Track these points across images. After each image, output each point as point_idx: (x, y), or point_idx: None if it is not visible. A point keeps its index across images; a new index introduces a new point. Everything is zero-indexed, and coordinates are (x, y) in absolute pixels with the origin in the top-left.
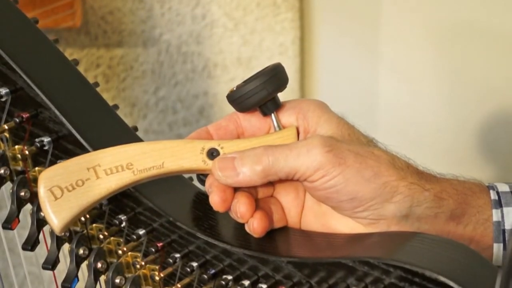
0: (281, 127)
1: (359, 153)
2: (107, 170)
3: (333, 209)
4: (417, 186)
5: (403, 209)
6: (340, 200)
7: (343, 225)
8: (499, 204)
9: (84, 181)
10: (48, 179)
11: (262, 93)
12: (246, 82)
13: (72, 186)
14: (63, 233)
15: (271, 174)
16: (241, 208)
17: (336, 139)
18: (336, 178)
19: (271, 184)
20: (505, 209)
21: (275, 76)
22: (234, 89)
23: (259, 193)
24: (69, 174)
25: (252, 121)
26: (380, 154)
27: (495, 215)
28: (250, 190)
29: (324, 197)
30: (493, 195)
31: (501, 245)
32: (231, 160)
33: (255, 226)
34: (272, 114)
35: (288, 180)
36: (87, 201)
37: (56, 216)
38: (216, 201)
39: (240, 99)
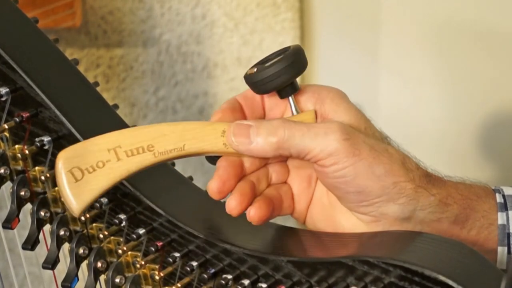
0: (298, 110)
1: (374, 147)
2: (127, 152)
3: (339, 200)
4: (424, 190)
5: (407, 212)
6: (347, 191)
7: (346, 220)
8: (504, 207)
9: (104, 163)
10: (68, 160)
11: (283, 78)
12: (265, 63)
13: (92, 168)
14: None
15: (284, 148)
16: (230, 203)
17: (354, 129)
18: (347, 169)
19: (286, 169)
20: (510, 213)
21: (297, 60)
22: (255, 70)
23: (273, 178)
24: (89, 155)
25: (271, 98)
26: (393, 152)
27: (500, 218)
28: (259, 176)
29: (332, 185)
30: (498, 198)
31: (506, 248)
32: (247, 127)
33: (251, 214)
34: (290, 98)
35: (302, 168)
36: (108, 183)
37: (76, 199)
38: (212, 188)
39: (260, 83)
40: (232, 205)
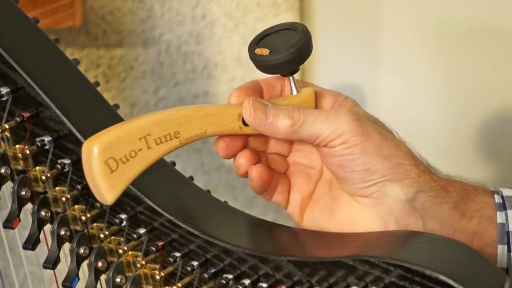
0: (298, 88)
1: (382, 132)
2: (157, 140)
3: (342, 183)
4: (427, 175)
5: (410, 193)
6: (353, 169)
7: (347, 209)
8: (503, 207)
9: (136, 152)
10: (104, 151)
11: (295, 65)
12: (267, 37)
13: (126, 158)
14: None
15: (296, 132)
16: (239, 160)
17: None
18: (355, 147)
19: (285, 163)
20: (509, 212)
21: (309, 47)
22: (268, 52)
23: (271, 164)
24: (123, 145)
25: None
26: (400, 141)
27: (500, 217)
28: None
29: (338, 164)
30: (497, 199)
31: (505, 246)
32: (265, 105)
33: (253, 171)
34: (291, 77)
35: (303, 164)
36: (138, 171)
37: (111, 190)
38: (221, 144)
39: (272, 66)
40: (241, 161)
